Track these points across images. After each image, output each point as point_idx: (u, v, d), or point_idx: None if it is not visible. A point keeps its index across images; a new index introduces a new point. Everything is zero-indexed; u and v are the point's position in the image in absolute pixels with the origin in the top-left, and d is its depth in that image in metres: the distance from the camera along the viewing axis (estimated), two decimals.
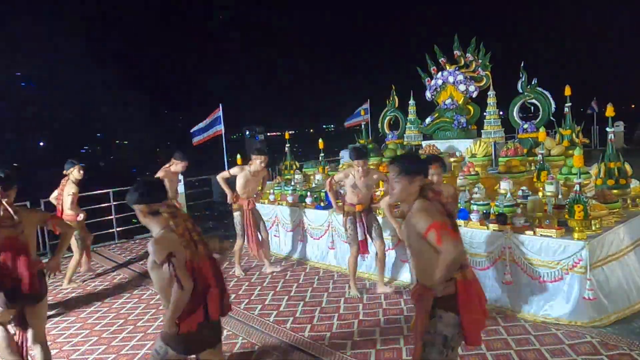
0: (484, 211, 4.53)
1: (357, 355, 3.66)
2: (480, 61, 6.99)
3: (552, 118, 6.14)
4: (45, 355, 3.26)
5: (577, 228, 3.83)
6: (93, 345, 4.23)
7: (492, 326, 3.95)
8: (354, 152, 4.75)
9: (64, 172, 5.82)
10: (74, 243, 5.85)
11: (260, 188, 6.23)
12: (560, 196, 4.59)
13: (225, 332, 4.28)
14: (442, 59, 7.38)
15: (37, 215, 3.46)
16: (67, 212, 5.74)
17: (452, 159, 6.53)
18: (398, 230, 4.32)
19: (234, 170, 5.82)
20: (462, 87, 7.08)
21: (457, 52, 7.15)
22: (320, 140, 8.05)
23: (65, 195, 5.74)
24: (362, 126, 8.35)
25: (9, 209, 3.11)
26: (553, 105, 6.13)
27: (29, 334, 3.20)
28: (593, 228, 3.97)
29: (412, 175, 2.33)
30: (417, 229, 2.25)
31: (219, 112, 9.78)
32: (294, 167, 7.93)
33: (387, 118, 8.34)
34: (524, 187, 5.12)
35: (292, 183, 7.08)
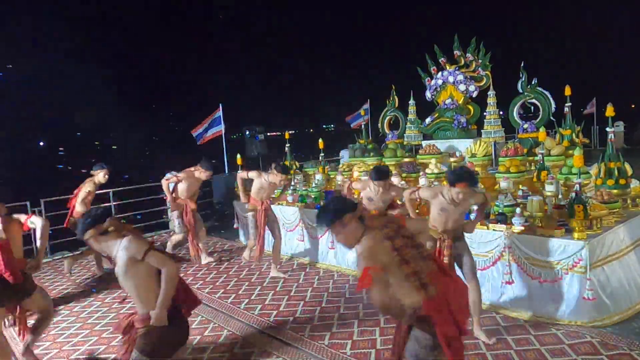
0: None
1: (357, 355, 3.66)
2: (480, 61, 6.99)
3: (552, 118, 6.15)
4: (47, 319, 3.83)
5: (577, 228, 3.83)
6: (93, 345, 4.25)
7: (492, 326, 3.96)
8: (374, 173, 4.54)
9: (91, 172, 6.05)
10: None
11: (279, 192, 6.35)
12: (560, 196, 4.59)
13: (225, 332, 4.30)
14: (442, 59, 7.39)
15: (16, 224, 3.76)
16: (78, 208, 5.89)
17: (452, 159, 6.54)
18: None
19: (252, 174, 5.84)
20: (462, 87, 7.09)
21: (457, 52, 7.16)
22: (320, 140, 8.04)
23: (82, 191, 5.92)
24: (362, 126, 8.35)
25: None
26: (553, 105, 6.13)
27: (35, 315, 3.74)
28: (593, 228, 3.97)
29: (338, 220, 2.26)
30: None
31: (219, 112, 9.82)
32: (294, 167, 7.93)
33: (387, 118, 8.35)
34: (524, 187, 5.12)
35: (292, 183, 7.08)
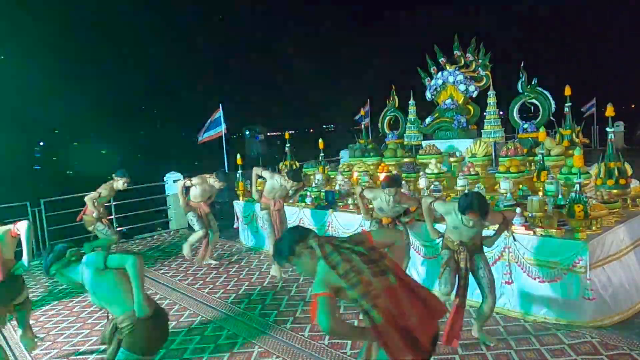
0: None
1: (357, 355, 3.65)
2: (480, 61, 6.99)
3: (552, 118, 6.14)
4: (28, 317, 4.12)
5: (577, 228, 3.83)
6: (93, 345, 4.25)
7: (492, 326, 3.96)
8: (384, 182, 4.43)
9: (113, 175, 6.28)
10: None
11: (292, 194, 6.28)
12: (560, 196, 4.59)
13: (225, 332, 4.30)
14: (442, 59, 7.39)
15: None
16: (89, 207, 6.13)
17: (452, 159, 6.54)
18: (434, 236, 4.04)
19: (265, 173, 5.83)
20: (462, 87, 7.08)
21: (457, 52, 7.15)
22: (320, 140, 8.04)
23: (96, 191, 6.20)
24: (362, 126, 8.35)
25: None
26: (553, 105, 6.13)
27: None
28: (593, 228, 3.97)
29: (291, 254, 2.27)
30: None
31: (220, 112, 9.83)
32: (294, 167, 7.93)
33: (387, 118, 8.35)
34: (524, 187, 5.13)
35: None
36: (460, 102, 7.14)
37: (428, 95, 7.58)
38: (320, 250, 2.22)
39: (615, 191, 4.59)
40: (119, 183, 6.28)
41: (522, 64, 6.25)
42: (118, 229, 8.34)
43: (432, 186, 5.72)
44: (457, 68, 7.16)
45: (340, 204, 6.13)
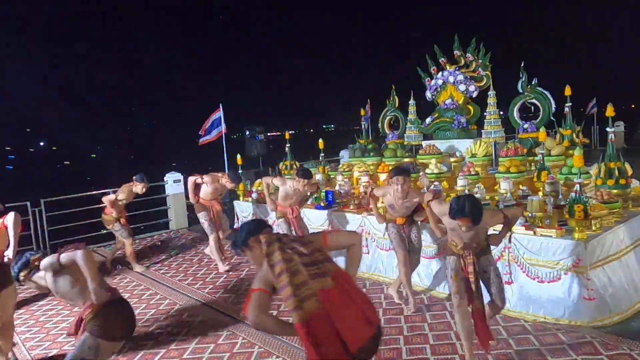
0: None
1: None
2: (480, 61, 6.99)
3: (552, 118, 6.14)
4: (9, 331, 3.92)
5: (577, 228, 3.83)
6: None
7: (492, 326, 3.95)
8: (392, 171, 4.39)
9: (133, 178, 6.38)
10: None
11: (307, 195, 6.13)
12: (560, 196, 4.59)
13: (225, 332, 4.30)
14: (442, 59, 7.39)
15: None
16: (108, 207, 6.33)
17: (452, 159, 6.54)
18: (439, 234, 3.90)
19: (276, 181, 5.68)
20: (462, 87, 7.08)
21: (457, 52, 7.16)
22: (320, 140, 8.05)
23: (115, 194, 6.38)
24: (362, 126, 8.35)
25: None
26: (553, 105, 6.13)
27: None
28: (593, 228, 3.97)
29: (244, 245, 2.37)
30: None
31: (220, 112, 9.82)
32: (294, 167, 7.93)
33: (387, 118, 8.35)
34: (524, 187, 5.12)
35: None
36: (460, 102, 7.14)
37: (428, 95, 7.58)
38: (265, 248, 2.28)
39: (615, 191, 4.59)
40: (138, 187, 6.32)
41: (522, 64, 6.26)
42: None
43: (432, 186, 5.72)
44: (457, 68, 7.16)
45: (338, 201, 6.14)
